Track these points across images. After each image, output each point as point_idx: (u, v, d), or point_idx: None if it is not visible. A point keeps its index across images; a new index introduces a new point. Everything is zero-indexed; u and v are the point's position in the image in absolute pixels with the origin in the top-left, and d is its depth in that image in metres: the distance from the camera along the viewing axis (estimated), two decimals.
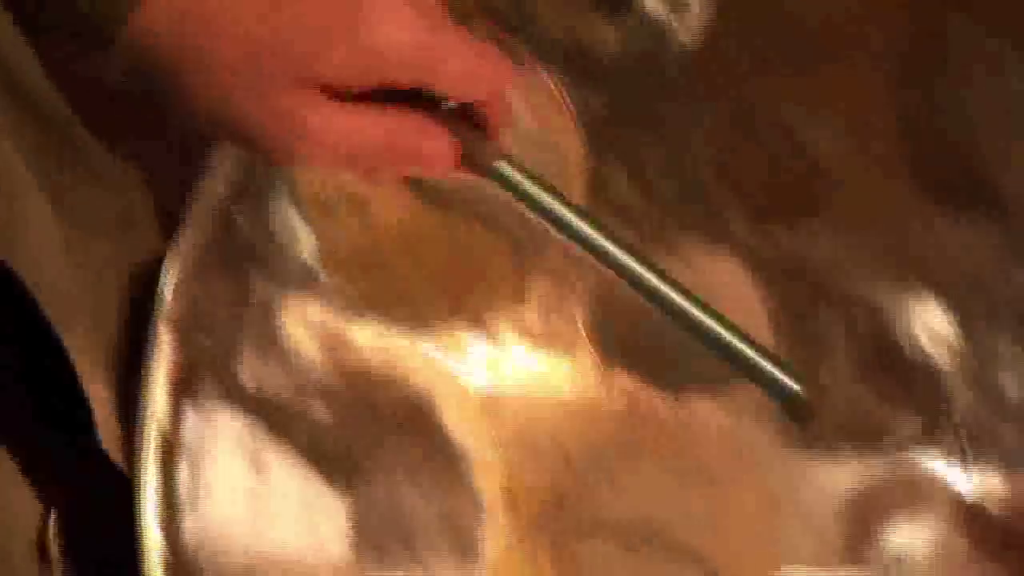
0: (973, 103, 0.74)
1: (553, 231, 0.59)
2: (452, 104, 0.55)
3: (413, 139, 0.54)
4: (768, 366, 0.61)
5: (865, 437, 0.77)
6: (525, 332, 0.75)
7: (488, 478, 0.76)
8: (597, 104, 0.75)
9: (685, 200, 0.75)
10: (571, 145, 0.75)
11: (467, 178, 0.58)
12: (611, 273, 0.61)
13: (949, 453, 0.76)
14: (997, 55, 0.72)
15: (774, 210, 0.75)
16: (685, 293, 0.59)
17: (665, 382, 0.75)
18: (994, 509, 0.76)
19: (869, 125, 0.75)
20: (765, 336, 0.76)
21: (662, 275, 0.59)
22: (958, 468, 0.76)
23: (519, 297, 0.74)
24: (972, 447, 0.76)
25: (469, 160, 0.56)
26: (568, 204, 0.57)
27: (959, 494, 0.76)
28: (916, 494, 0.77)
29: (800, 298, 0.77)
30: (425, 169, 0.56)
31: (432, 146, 0.55)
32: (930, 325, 0.76)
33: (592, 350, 0.74)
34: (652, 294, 0.59)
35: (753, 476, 0.75)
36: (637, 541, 0.77)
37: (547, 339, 0.75)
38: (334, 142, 0.53)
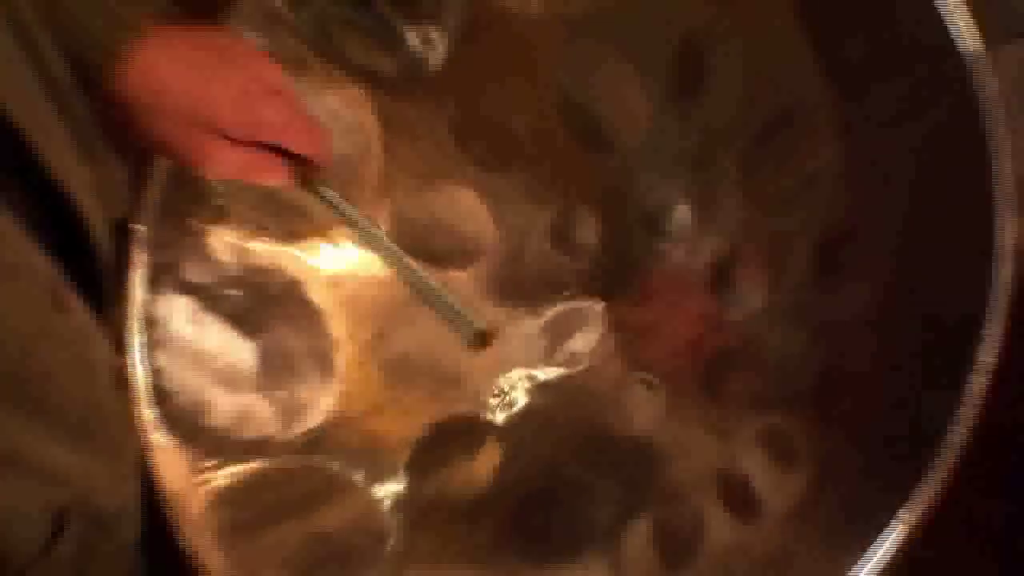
0: None
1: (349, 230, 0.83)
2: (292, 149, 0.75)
3: (261, 167, 0.74)
4: (457, 306, 0.84)
5: (554, 288, 0.99)
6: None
7: (336, 325, 0.95)
8: (384, 100, 0.93)
9: (444, 156, 0.95)
10: (368, 123, 0.94)
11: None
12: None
13: (599, 292, 0.99)
14: None
15: (498, 163, 0.95)
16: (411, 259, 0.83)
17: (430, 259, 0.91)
18: (629, 324, 0.98)
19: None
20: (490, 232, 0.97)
21: (399, 251, 0.83)
22: (603, 302, 0.99)
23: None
24: (610, 287, 0.97)
25: (300, 182, 0.79)
26: (361, 216, 0.81)
27: (608, 318, 0.98)
28: (584, 318, 0.99)
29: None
30: (271, 182, 0.77)
31: (272, 171, 0.76)
32: None
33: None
34: (393, 260, 0.84)
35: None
36: (417, 365, 0.96)
37: None
38: (219, 162, 0.71)
